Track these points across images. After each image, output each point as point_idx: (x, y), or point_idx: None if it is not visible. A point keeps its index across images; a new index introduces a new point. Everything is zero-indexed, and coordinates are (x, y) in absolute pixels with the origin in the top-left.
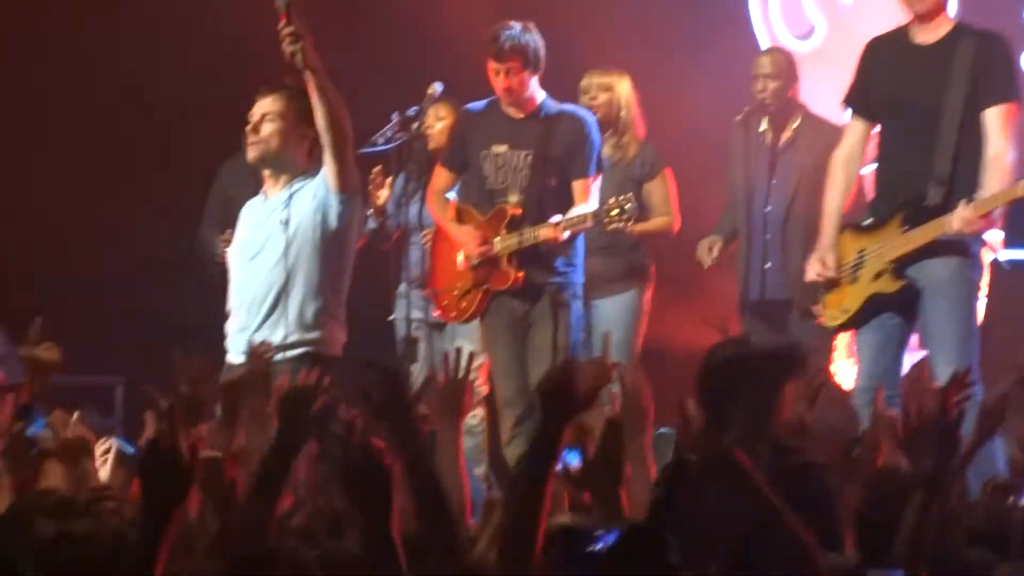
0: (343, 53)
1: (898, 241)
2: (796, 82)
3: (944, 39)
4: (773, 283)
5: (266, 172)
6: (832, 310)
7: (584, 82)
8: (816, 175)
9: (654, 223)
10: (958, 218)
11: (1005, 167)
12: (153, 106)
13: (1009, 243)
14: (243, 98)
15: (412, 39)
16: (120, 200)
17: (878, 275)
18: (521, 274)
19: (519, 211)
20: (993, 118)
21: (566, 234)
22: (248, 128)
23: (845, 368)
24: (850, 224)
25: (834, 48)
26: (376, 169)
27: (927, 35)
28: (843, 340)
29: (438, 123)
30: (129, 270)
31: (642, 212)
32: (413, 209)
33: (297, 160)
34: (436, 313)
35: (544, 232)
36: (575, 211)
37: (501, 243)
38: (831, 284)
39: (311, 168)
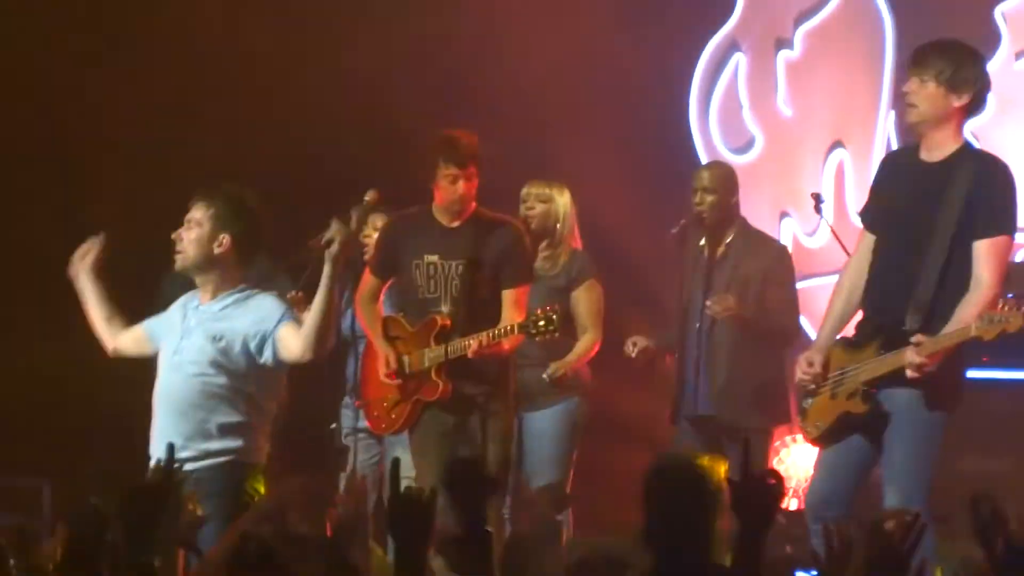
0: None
1: (873, 363)
2: (734, 195)
3: (947, 159)
4: (704, 399)
5: (198, 281)
6: (809, 423)
7: (524, 191)
8: (745, 288)
9: (579, 349)
10: (908, 363)
11: (981, 300)
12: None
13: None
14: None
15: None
16: (43, 296)
17: (851, 395)
18: (450, 386)
19: (448, 322)
20: (981, 249)
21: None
22: (174, 235)
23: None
24: (840, 340)
25: (771, 161)
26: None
27: (933, 153)
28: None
29: (375, 233)
30: (54, 366)
31: (567, 322)
32: (348, 319)
33: (221, 266)
34: (367, 424)
35: (471, 344)
36: (504, 322)
37: (429, 354)
38: (813, 390)
39: (242, 281)
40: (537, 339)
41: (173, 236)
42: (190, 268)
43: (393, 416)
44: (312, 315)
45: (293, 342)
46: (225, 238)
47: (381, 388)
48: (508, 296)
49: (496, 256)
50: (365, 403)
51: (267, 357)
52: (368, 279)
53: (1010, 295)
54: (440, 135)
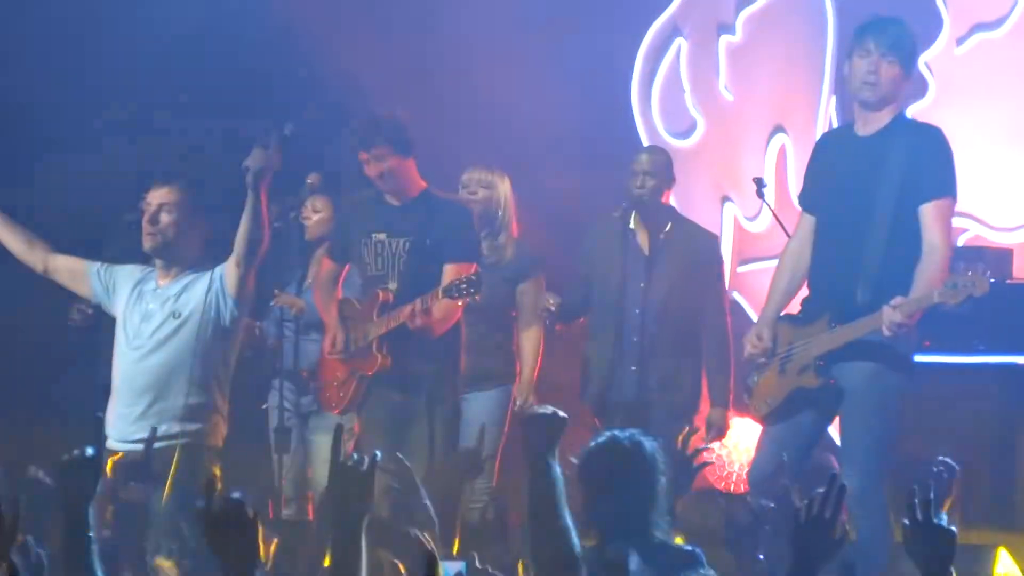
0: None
1: (824, 338)
2: (671, 183)
3: (882, 131)
4: (638, 385)
5: (158, 263)
6: (758, 400)
7: (464, 177)
8: (686, 279)
9: (533, 349)
10: (886, 322)
11: (938, 264)
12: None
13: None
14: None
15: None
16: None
17: (802, 370)
18: (388, 360)
19: (390, 296)
20: (929, 214)
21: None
22: (146, 218)
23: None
24: (786, 316)
25: (712, 145)
26: None
27: (868, 126)
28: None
29: (315, 215)
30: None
31: (507, 311)
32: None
33: (191, 252)
34: (324, 408)
35: (404, 312)
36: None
37: (371, 328)
38: (762, 365)
39: (200, 261)
40: (460, 302)
41: (144, 219)
42: (159, 250)
43: (341, 394)
44: (240, 229)
45: (230, 268)
46: (197, 222)
47: (331, 368)
48: (448, 270)
49: (442, 233)
50: (318, 386)
51: (227, 308)
52: (327, 263)
53: (967, 271)
54: (352, 122)
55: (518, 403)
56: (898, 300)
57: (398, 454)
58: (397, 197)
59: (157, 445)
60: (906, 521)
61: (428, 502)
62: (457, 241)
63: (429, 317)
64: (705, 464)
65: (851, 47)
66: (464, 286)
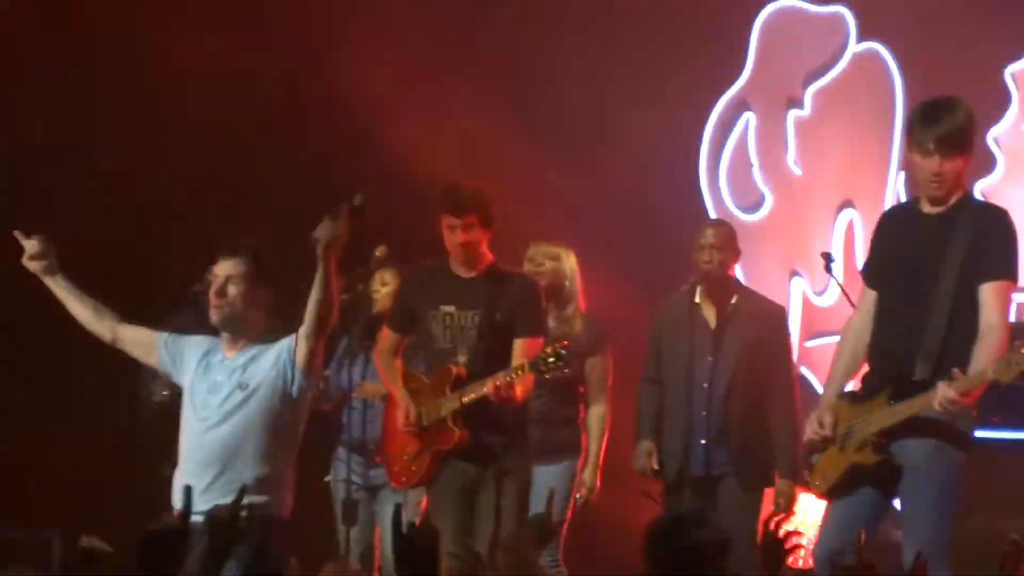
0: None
1: (882, 414)
2: (737, 256)
3: (948, 209)
4: (708, 459)
5: (225, 335)
6: (817, 477)
7: (531, 251)
8: (754, 352)
9: (599, 428)
10: (939, 399)
11: (996, 344)
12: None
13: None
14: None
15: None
16: (42, 345)
17: (861, 446)
18: (465, 432)
19: (463, 371)
20: (988, 294)
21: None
22: (213, 290)
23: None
24: (847, 393)
25: (781, 219)
26: None
27: (935, 206)
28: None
29: (383, 288)
30: (60, 416)
31: (574, 386)
32: (355, 372)
33: (256, 323)
34: (390, 481)
35: (487, 386)
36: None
37: (445, 403)
38: (823, 447)
39: (265, 333)
40: (547, 376)
41: (211, 291)
42: (227, 322)
43: (413, 469)
44: (310, 301)
45: (302, 337)
46: (261, 294)
47: (400, 442)
48: (520, 345)
49: (511, 307)
50: (385, 458)
51: (296, 381)
52: (387, 334)
53: (1021, 348)
54: (443, 186)
55: (585, 481)
56: (956, 372)
57: (466, 540)
58: (468, 269)
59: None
60: None
61: None
62: (526, 315)
63: (511, 391)
64: (796, 547)
65: (908, 138)
66: (552, 360)
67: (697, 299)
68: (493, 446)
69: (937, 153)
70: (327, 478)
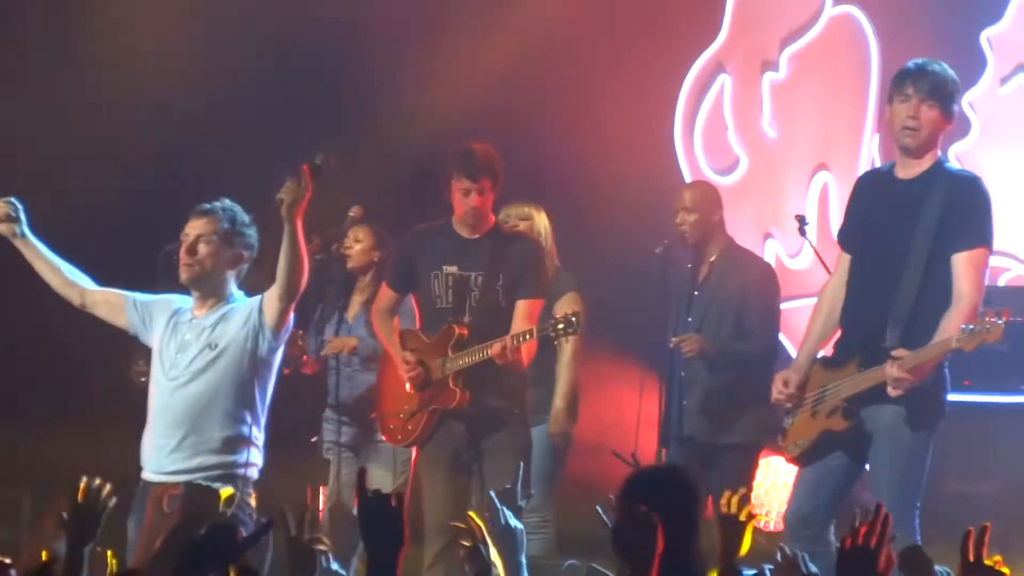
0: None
1: (852, 380)
2: (716, 214)
3: (921, 176)
4: (690, 420)
5: (195, 293)
6: (790, 442)
7: (502, 214)
8: (723, 309)
9: (569, 370)
10: (888, 377)
11: (963, 313)
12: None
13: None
14: None
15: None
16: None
17: (832, 412)
18: (467, 394)
19: (465, 331)
20: (960, 262)
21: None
22: (183, 248)
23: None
24: (820, 358)
25: (755, 182)
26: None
27: (908, 170)
28: (766, 466)
29: (356, 244)
30: (40, 376)
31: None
32: (328, 333)
33: (227, 283)
34: (383, 438)
35: (491, 349)
36: (516, 331)
37: (448, 363)
38: (791, 408)
39: (235, 292)
40: (556, 341)
41: (182, 250)
42: (196, 281)
43: (409, 427)
44: (280, 262)
45: (270, 298)
46: (235, 253)
47: (397, 400)
48: (521, 307)
49: (515, 268)
50: (380, 416)
51: (264, 340)
52: (385, 292)
53: (986, 316)
54: (456, 148)
55: (554, 433)
56: (900, 352)
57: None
58: (472, 230)
59: (194, 476)
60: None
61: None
62: (529, 277)
63: (517, 354)
64: (753, 517)
65: (891, 91)
66: (562, 326)
67: (691, 264)
68: (496, 409)
69: (915, 96)
70: (313, 439)
